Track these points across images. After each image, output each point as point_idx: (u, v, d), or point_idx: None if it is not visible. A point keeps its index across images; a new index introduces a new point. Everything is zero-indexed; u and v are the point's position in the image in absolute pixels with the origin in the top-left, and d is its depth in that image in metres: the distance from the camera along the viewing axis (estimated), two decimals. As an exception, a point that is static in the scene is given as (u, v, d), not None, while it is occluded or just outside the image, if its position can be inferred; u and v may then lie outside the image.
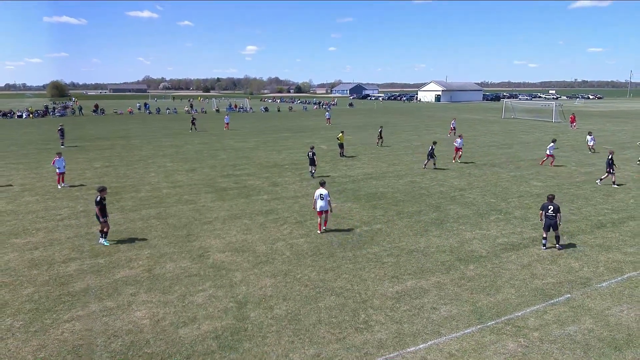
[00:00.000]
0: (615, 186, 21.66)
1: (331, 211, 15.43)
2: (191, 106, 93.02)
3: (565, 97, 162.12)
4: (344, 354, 8.59)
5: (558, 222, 13.63)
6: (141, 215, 17.45)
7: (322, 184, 15.22)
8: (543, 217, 13.91)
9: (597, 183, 22.45)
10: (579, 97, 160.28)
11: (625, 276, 11.92)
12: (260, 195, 20.59)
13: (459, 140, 29.35)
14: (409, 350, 8.70)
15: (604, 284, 11.46)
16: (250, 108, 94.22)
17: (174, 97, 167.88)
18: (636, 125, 56.01)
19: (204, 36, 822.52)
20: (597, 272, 12.20)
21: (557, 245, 13.86)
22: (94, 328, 9.51)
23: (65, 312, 10.16)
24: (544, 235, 13.87)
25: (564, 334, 9.24)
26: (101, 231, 14.39)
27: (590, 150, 33.03)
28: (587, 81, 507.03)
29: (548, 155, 27.54)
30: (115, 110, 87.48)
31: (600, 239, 14.65)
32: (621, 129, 50.25)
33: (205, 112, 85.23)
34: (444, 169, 26.59)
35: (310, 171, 24.81)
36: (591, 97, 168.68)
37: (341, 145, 31.82)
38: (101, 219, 14.13)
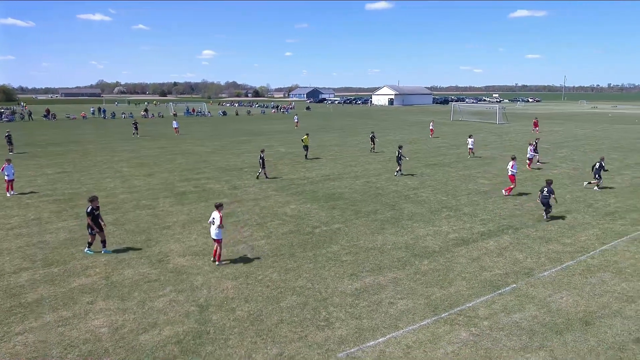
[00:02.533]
0: (597, 189, 21.80)
1: (218, 242, 12.65)
2: (146, 110, 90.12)
3: (507, 100, 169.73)
4: (306, 351, 8.58)
5: (550, 201, 16.61)
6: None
7: (216, 206, 12.72)
8: (540, 197, 16.85)
9: (587, 186, 22.31)
10: (519, 100, 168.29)
11: (564, 265, 12.61)
12: (220, 199, 20.23)
13: (470, 140, 31.09)
14: (368, 344, 8.81)
15: (545, 273, 12.07)
16: (209, 112, 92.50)
17: (129, 102, 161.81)
18: (569, 126, 59.46)
19: (160, 40, 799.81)
20: (539, 262, 12.84)
21: (545, 216, 16.83)
22: (48, 339, 9.01)
23: (17, 325, 9.56)
24: (544, 209, 16.88)
25: (511, 321, 9.65)
26: (89, 243, 13.51)
27: (469, 154, 31.79)
28: (526, 85, 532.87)
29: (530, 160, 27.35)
30: (67, 115, 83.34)
31: (542, 232, 15.42)
32: (557, 130, 53.17)
33: (163, 117, 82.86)
34: (403, 175, 27.13)
35: (259, 173, 24.71)
36: (530, 100, 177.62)
37: (306, 148, 31.84)
38: (93, 231, 13.27)
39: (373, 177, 24.93)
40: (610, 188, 21.94)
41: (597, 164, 21.87)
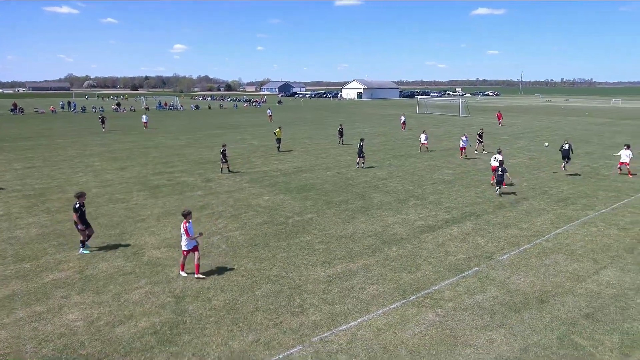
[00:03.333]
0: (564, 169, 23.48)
1: (198, 240, 11.52)
2: (118, 105, 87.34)
3: (469, 94, 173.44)
4: (282, 337, 8.62)
5: (504, 179, 18.85)
6: (70, 216, 16.14)
7: (184, 215, 11.03)
8: (496, 176, 18.95)
9: (561, 169, 23.61)
10: (480, 94, 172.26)
11: (522, 248, 13.09)
12: (194, 192, 19.92)
13: (423, 135, 31.03)
14: (341, 328, 8.93)
15: (504, 257, 12.50)
16: (181, 106, 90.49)
17: (98, 96, 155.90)
18: (526, 118, 61.37)
19: (130, 34, 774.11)
20: (499, 246, 13.28)
21: (497, 191, 18.90)
22: (22, 335, 8.70)
23: (-12, 321, 9.18)
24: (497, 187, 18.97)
25: (474, 302, 9.97)
26: (82, 241, 12.84)
27: (420, 148, 31.30)
28: (487, 80, 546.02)
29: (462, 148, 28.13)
30: (36, 110, 79.78)
31: (501, 218, 15.93)
32: (515, 122, 54.79)
33: (134, 111, 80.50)
34: (372, 166, 27.37)
35: (222, 167, 24.08)
36: (490, 94, 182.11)
37: (278, 141, 31.63)
38: (80, 227, 12.63)
39: (343, 169, 25.07)
40: (576, 175, 22.84)
41: (567, 146, 23.04)
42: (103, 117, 48.21)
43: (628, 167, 23.00)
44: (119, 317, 9.35)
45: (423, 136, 31.27)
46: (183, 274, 11.24)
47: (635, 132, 43.63)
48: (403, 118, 47.12)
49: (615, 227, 14.83)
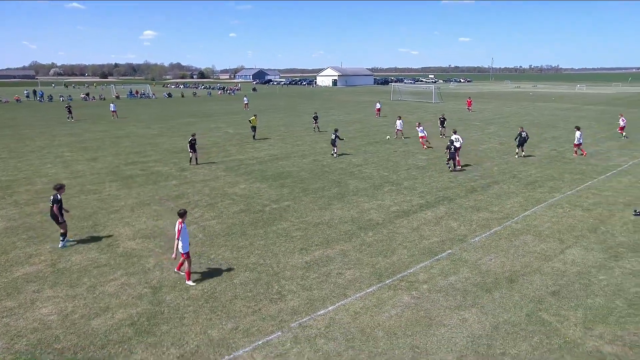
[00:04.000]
0: (520, 157, 23.99)
1: (174, 257, 10.19)
2: (87, 94, 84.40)
3: (442, 81, 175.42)
4: (261, 323, 8.66)
5: (457, 156, 20.71)
6: (39, 209, 15.64)
7: (180, 214, 10.25)
8: (448, 153, 20.65)
9: (516, 157, 24.09)
10: (452, 81, 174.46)
11: (492, 230, 13.47)
12: (169, 181, 19.57)
13: (399, 122, 31.26)
14: (319, 313, 9.03)
15: (476, 239, 12.85)
16: (153, 94, 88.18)
17: (65, 84, 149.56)
18: (497, 104, 62.62)
19: (97, 20, 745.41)
20: (471, 229, 13.62)
21: (450, 167, 20.64)
22: (-8, 331, 8.44)
23: (-44, 318, 8.85)
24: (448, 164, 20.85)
25: (447, 283, 10.24)
26: (63, 234, 12.34)
27: (395, 134, 31.50)
28: (458, 67, 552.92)
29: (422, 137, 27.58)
30: (-1, 99, 76.28)
31: (473, 202, 16.32)
32: (485, 107, 55.84)
33: (104, 99, 77.98)
34: (342, 148, 27.45)
35: (190, 159, 23.10)
36: (462, 80, 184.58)
37: (254, 129, 31.27)
38: (61, 219, 12.15)
39: (319, 156, 25.08)
40: (530, 156, 23.51)
41: (524, 134, 23.74)
42: (69, 106, 46.46)
43: (580, 147, 24.58)
44: (94, 309, 9.17)
45: (399, 122, 31.37)
46: (190, 283, 10.18)
47: (598, 117, 45.19)
48: (378, 105, 47.24)
49: (579, 208, 15.42)
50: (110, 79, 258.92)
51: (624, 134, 30.67)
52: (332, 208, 15.68)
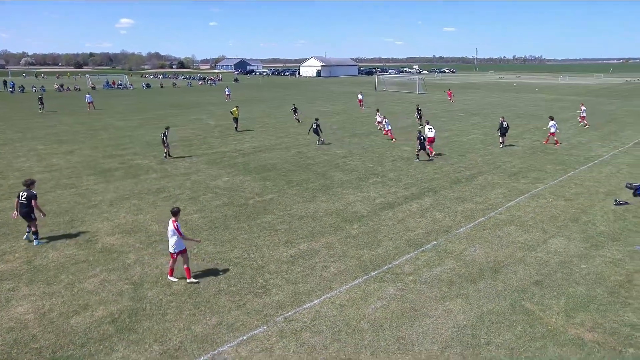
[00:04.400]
0: (502, 147, 24.72)
1: (197, 241, 10.54)
2: (61, 84, 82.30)
3: (426, 72, 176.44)
4: (245, 318, 8.66)
5: (427, 145, 21.08)
6: (12, 205, 15.23)
7: (173, 213, 9.93)
8: (418, 144, 20.74)
9: (501, 147, 24.72)
10: (437, 71, 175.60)
11: (477, 221, 13.69)
12: (149, 174, 19.30)
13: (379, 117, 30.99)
14: (304, 306, 9.07)
15: (461, 230, 13.04)
16: (131, 85, 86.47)
17: (36, 75, 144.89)
18: (481, 94, 63.34)
19: (70, 8, 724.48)
20: (455, 220, 13.82)
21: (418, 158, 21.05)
22: (-34, 331, 8.24)
23: None
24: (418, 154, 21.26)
25: (433, 274, 10.39)
26: (35, 232, 12.00)
27: (379, 125, 31.08)
28: (443, 57, 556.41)
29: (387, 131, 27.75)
30: (-33, 89, 73.76)
31: (458, 193, 16.54)
32: (470, 98, 56.45)
33: (80, 90, 76.16)
34: (327, 140, 27.44)
35: (165, 153, 22.47)
36: (447, 71, 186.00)
37: (236, 120, 30.99)
38: (34, 216, 11.77)
39: (303, 148, 25.03)
40: (511, 145, 23.91)
41: (505, 124, 24.40)
42: (41, 97, 45.23)
43: (551, 136, 25.51)
44: (73, 307, 9.03)
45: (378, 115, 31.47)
46: (173, 279, 10.02)
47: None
48: (360, 96, 47.17)
49: (562, 199, 15.78)
50: (85, 68, 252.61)
51: (584, 122, 32.36)
52: (317, 200, 15.69)
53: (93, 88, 78.69)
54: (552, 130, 25.15)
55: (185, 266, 10.07)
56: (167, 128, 23.00)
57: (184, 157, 22.71)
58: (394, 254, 11.48)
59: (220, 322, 8.56)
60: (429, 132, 22.17)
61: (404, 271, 10.56)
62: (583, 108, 33.08)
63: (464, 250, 11.67)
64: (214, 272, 10.49)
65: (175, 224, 9.77)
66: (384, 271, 10.55)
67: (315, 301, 9.27)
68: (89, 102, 45.42)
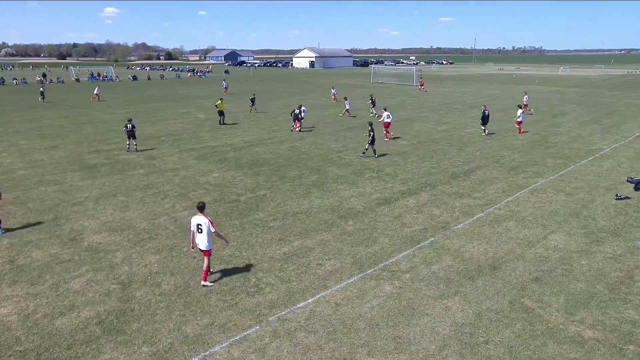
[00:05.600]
0: (485, 135, 26.53)
1: (226, 242, 10.55)
2: (44, 75, 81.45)
3: (423, 63, 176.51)
4: (237, 318, 8.66)
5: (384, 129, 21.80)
6: (-6, 202, 15.11)
7: (200, 208, 9.75)
8: (369, 137, 20.45)
9: (484, 135, 26.61)
10: (434, 63, 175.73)
11: (475, 217, 13.77)
12: (137, 170, 19.19)
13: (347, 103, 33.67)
14: (299, 305, 9.09)
15: (459, 226, 13.11)
16: (117, 77, 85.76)
17: (12, 66, 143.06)
18: (479, 86, 63.52)
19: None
20: (453, 216, 13.88)
21: (370, 154, 20.87)
22: (-54, 334, 8.18)
23: None
24: (367, 148, 20.95)
25: (430, 272, 10.44)
26: None
27: (345, 114, 34.29)
28: (440, 48, 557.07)
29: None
30: (-56, 82, 72.74)
31: (456, 188, 16.61)
32: (469, 91, 56.60)
33: (63, 82, 75.44)
34: (321, 133, 27.41)
35: (128, 145, 22.80)
36: (444, 62, 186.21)
37: (221, 113, 30.85)
38: None
39: (297, 142, 25.00)
40: (492, 134, 24.04)
41: (487, 112, 26.33)
42: (43, 90, 47.33)
43: (519, 126, 27.12)
44: (58, 308, 8.99)
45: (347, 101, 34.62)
46: (208, 284, 9.81)
47: (581, 100, 46.41)
48: (333, 90, 47.36)
49: (562, 193, 15.90)
50: (68, 60, 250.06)
51: (531, 110, 35.38)
52: (311, 196, 15.70)
53: (77, 80, 77.97)
54: (519, 119, 26.82)
55: (205, 268, 9.84)
56: (130, 120, 23.05)
57: (174, 152, 22.59)
58: (391, 251, 11.52)
59: (212, 322, 8.55)
60: (387, 118, 24.76)
61: (401, 268, 10.60)
62: (526, 97, 36.39)
63: (462, 247, 11.74)
64: (204, 271, 10.45)
65: (209, 219, 9.61)
66: (380, 269, 10.59)
67: (310, 300, 9.29)
68: (96, 94, 47.60)
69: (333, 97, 46.29)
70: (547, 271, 10.44)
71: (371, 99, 36.11)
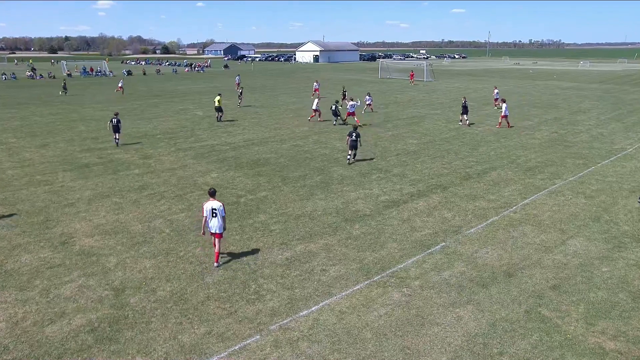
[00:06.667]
0: (467, 125, 29.00)
1: (224, 229, 11.18)
2: (33, 70, 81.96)
3: (434, 57, 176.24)
4: (237, 327, 8.68)
5: (358, 145, 19.99)
6: (-19, 203, 15.23)
7: (212, 194, 11.05)
8: (348, 142, 19.91)
9: (459, 124, 29.49)
10: (446, 57, 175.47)
11: (489, 221, 13.73)
12: (131, 170, 19.28)
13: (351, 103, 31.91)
14: (301, 314, 9.09)
15: (472, 230, 13.08)
16: (110, 72, 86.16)
17: (4, 60, 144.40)
18: (494, 82, 63.32)
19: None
20: (466, 220, 13.85)
21: (351, 159, 20.07)
22: None
23: None
24: (349, 153, 20.09)
25: (441, 279, 10.42)
26: None
27: (365, 108, 34.35)
28: (452, 41, 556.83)
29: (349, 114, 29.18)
30: None
31: (468, 189, 16.57)
32: (482, 87, 56.45)
33: (54, 77, 75.89)
34: (326, 131, 27.43)
35: (115, 139, 23.80)
36: (457, 56, 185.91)
37: (219, 109, 30.93)
38: None
39: (300, 140, 25.03)
40: (472, 124, 23.96)
41: (466, 104, 29.56)
42: (65, 82, 52.12)
43: (502, 119, 28.31)
44: (48, 315, 9.04)
45: (367, 99, 35.07)
46: (217, 264, 11.03)
47: (602, 96, 46.19)
48: (316, 85, 47.32)
49: (582, 196, 15.82)
50: (60, 54, 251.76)
51: (497, 106, 35.82)
52: (314, 198, 15.71)
53: (69, 75, 78.39)
54: (504, 113, 27.88)
55: (217, 250, 11.02)
56: (116, 114, 23.93)
57: (169, 150, 22.68)
58: (399, 256, 11.51)
59: (210, 331, 8.57)
60: (350, 107, 28.18)
61: (410, 275, 10.59)
62: (496, 91, 37.86)
63: (475, 252, 11.71)
64: (202, 276, 10.50)
65: (222, 203, 10.90)
66: (388, 275, 10.58)
67: (313, 308, 9.30)
68: (120, 87, 50.48)
69: (315, 91, 46.08)
70: (566, 278, 10.39)
71: (343, 92, 39.24)
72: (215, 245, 11.04)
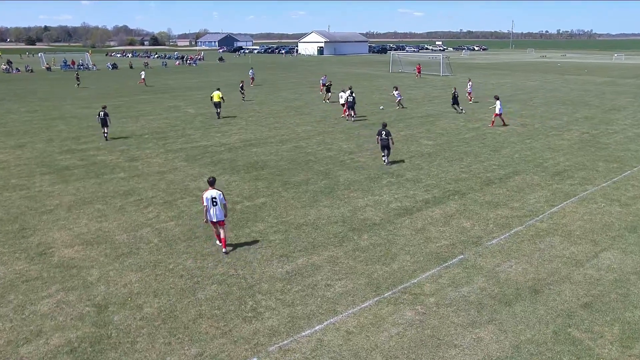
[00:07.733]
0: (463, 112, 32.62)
1: (225, 215, 12.30)
2: (9, 63, 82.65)
3: (451, 49, 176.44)
4: (232, 348, 8.67)
5: (390, 143, 20.06)
6: (-49, 209, 15.34)
7: (212, 183, 12.21)
8: (379, 141, 20.17)
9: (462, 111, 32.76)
10: (465, 49, 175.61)
11: (513, 231, 13.68)
12: (116, 173, 19.37)
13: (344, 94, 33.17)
14: (303, 334, 9.07)
15: (493, 241, 13.04)
16: (94, 65, 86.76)
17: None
18: (518, 77, 63.32)
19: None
20: (487, 229, 13.81)
21: (385, 160, 20.29)
22: None
23: None
24: (383, 154, 20.42)
25: (459, 295, 10.38)
26: None
27: (397, 105, 36.40)
28: (472, 32, 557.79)
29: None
30: None
31: (489, 196, 16.54)
32: (505, 82, 56.43)
33: (32, 71, 76.48)
34: (331, 131, 27.47)
35: (104, 133, 25.23)
36: (476, 48, 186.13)
37: (217, 105, 31.08)
38: None
39: (302, 141, 25.08)
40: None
41: (456, 94, 32.97)
42: (78, 74, 57.40)
43: (496, 117, 28.85)
44: (23, 333, 9.06)
45: (396, 93, 36.13)
46: (225, 251, 12.34)
47: (638, 93, 46.04)
48: (251, 72, 50.29)
49: (616, 204, 15.75)
50: (38, 45, 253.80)
51: (471, 100, 38.53)
52: (318, 205, 15.72)
53: (48, 69, 79.01)
54: (497, 111, 28.42)
55: (223, 236, 12.24)
56: (104, 107, 25.27)
57: (157, 152, 22.78)
58: (412, 270, 11.48)
59: (202, 352, 8.57)
60: (340, 99, 31.67)
61: (424, 291, 10.56)
62: (470, 84, 39.45)
63: (497, 266, 11.66)
64: (193, 292, 10.51)
65: (221, 191, 12.03)
66: (400, 291, 10.55)
67: (317, 327, 9.28)
68: (143, 79, 54.80)
69: (251, 80, 48.77)
70: (599, 296, 10.33)
71: (328, 85, 41.31)
72: (217, 236, 12.46)
